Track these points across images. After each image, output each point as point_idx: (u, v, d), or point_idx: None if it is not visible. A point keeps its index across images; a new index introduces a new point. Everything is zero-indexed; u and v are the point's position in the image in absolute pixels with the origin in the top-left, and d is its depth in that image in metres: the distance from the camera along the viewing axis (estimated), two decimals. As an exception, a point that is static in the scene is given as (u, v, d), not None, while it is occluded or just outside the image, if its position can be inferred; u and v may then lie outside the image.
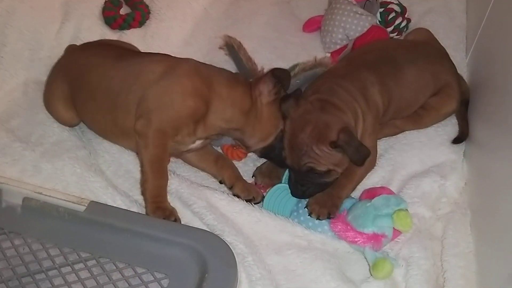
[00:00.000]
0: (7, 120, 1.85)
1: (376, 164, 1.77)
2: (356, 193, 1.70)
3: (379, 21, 2.24)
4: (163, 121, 1.55)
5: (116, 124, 1.64)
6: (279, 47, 2.25)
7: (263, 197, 1.69)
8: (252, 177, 1.78)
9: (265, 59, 2.10)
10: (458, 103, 1.87)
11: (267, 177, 1.74)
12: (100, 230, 1.46)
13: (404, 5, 2.29)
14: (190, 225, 1.56)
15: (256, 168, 1.78)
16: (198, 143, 1.67)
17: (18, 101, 1.93)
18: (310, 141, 1.54)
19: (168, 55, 1.72)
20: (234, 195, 1.69)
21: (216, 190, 1.68)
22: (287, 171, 1.69)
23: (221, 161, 1.75)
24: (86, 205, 1.50)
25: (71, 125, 1.83)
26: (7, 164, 1.69)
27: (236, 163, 1.80)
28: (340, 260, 1.55)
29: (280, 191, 1.66)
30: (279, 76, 1.61)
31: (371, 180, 1.74)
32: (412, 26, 2.26)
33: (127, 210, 1.58)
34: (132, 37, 2.16)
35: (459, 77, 1.94)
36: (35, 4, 2.12)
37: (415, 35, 2.08)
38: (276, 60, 2.12)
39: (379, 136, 1.84)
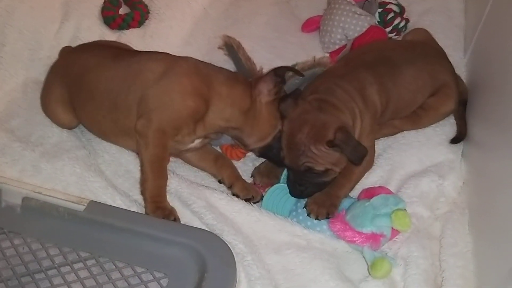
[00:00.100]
0: (6, 120, 1.86)
1: (374, 164, 1.78)
2: (355, 193, 1.70)
3: (377, 21, 2.24)
4: (163, 120, 1.55)
5: (117, 124, 1.64)
6: (278, 47, 2.25)
7: (262, 196, 1.69)
8: (251, 177, 1.78)
9: (264, 59, 2.10)
10: (456, 103, 1.87)
11: (265, 176, 1.74)
12: (99, 230, 1.46)
13: (403, 5, 2.29)
14: (190, 225, 1.56)
15: (255, 168, 1.78)
16: (197, 142, 1.67)
17: (17, 101, 1.93)
18: (307, 140, 1.55)
19: (167, 53, 1.72)
20: (233, 194, 1.69)
21: (215, 189, 1.68)
22: (285, 171, 1.69)
23: (220, 161, 1.75)
24: (86, 204, 1.50)
25: (69, 128, 1.83)
26: (6, 164, 1.69)
27: (235, 163, 1.80)
28: (339, 259, 1.55)
29: (279, 191, 1.67)
30: (282, 75, 1.61)
31: (370, 179, 1.75)
32: (410, 26, 2.26)
33: (126, 209, 1.58)
34: (131, 37, 2.17)
35: (457, 77, 1.94)
36: (34, 4, 2.12)
37: (413, 35, 2.08)
38: (275, 60, 2.12)
39: (377, 136, 1.85)
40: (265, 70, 1.96)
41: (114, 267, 1.40)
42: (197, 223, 1.58)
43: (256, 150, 1.71)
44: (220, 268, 1.37)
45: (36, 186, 1.56)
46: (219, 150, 1.84)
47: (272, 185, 1.70)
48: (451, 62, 1.96)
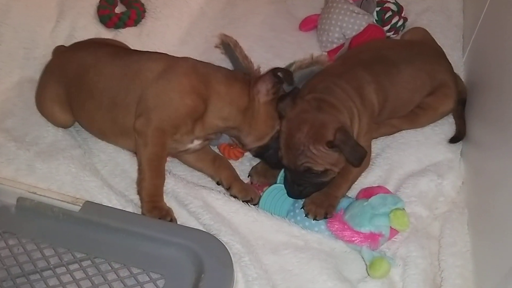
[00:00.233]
0: (1, 119, 1.84)
1: (372, 163, 1.77)
2: (353, 193, 1.70)
3: (375, 20, 2.23)
4: (162, 119, 1.55)
5: (116, 123, 1.64)
6: (276, 46, 2.25)
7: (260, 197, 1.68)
8: (248, 176, 1.77)
9: (261, 58, 2.09)
10: (455, 102, 1.87)
11: (262, 176, 1.74)
12: (95, 230, 1.45)
13: (401, 4, 2.29)
14: (186, 225, 1.56)
15: (252, 168, 1.78)
16: (196, 143, 1.67)
17: (13, 100, 1.92)
18: (307, 140, 1.54)
19: (166, 54, 1.72)
20: (231, 196, 1.68)
21: (212, 189, 1.68)
22: (282, 171, 1.68)
23: (218, 162, 1.74)
24: (81, 205, 1.49)
25: (66, 127, 1.82)
26: (1, 164, 1.68)
27: (233, 163, 1.79)
28: (337, 259, 1.55)
29: (277, 191, 1.66)
30: (279, 76, 1.61)
31: (368, 179, 1.74)
32: (409, 25, 2.26)
33: (122, 210, 1.57)
34: (127, 35, 2.16)
35: (455, 76, 1.94)
36: (30, 2, 2.11)
37: (411, 34, 2.08)
38: (273, 59, 2.12)
39: (376, 135, 1.84)
40: (262, 69, 1.95)
41: (110, 268, 1.39)
42: (194, 224, 1.57)
43: (253, 150, 1.70)
44: (217, 269, 1.36)
45: (31, 186, 1.55)
46: (217, 150, 1.83)
47: (269, 184, 1.70)
48: (450, 61, 1.96)
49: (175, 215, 1.55)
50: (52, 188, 1.62)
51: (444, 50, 2.00)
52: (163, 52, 1.76)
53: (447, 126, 1.87)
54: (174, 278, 1.37)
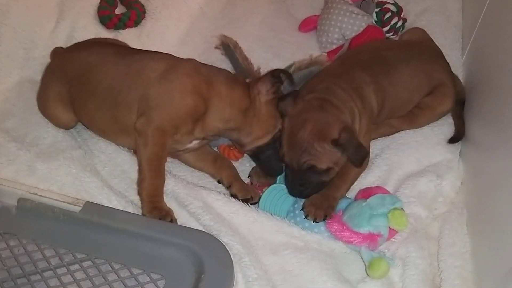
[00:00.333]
0: (2, 120, 1.84)
1: (372, 164, 1.78)
2: (352, 193, 1.70)
3: (375, 20, 2.24)
4: (163, 119, 1.55)
5: (117, 121, 1.64)
6: (275, 46, 2.25)
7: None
8: (248, 177, 1.77)
9: (261, 58, 2.10)
10: (453, 102, 1.87)
11: (262, 177, 1.74)
12: (95, 231, 1.46)
13: (400, 4, 2.29)
14: (186, 226, 1.56)
15: (252, 168, 1.78)
16: (195, 143, 1.67)
17: (12, 100, 1.92)
18: (311, 138, 1.54)
19: (170, 54, 1.73)
20: (231, 195, 1.69)
21: (212, 190, 1.68)
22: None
23: (219, 161, 1.75)
24: (82, 205, 1.49)
25: (68, 128, 1.83)
26: (2, 165, 1.68)
27: (233, 163, 1.79)
28: (337, 260, 1.55)
29: (276, 191, 1.66)
30: (278, 76, 1.62)
31: (368, 179, 1.74)
32: (408, 25, 2.26)
33: (123, 210, 1.57)
34: (127, 36, 2.16)
35: (453, 76, 1.94)
36: (30, 3, 2.11)
37: (409, 35, 2.09)
38: (272, 59, 2.12)
39: (375, 136, 1.85)
40: (262, 70, 1.96)
41: (110, 268, 1.39)
42: (194, 224, 1.57)
43: (251, 150, 1.70)
44: (217, 269, 1.37)
45: (32, 187, 1.55)
46: (216, 151, 1.83)
47: (269, 185, 1.70)
48: (449, 61, 1.97)
49: (175, 215, 1.55)
50: (52, 189, 1.63)
51: (443, 51, 2.00)
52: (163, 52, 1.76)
53: (446, 126, 1.88)
54: (174, 278, 1.37)
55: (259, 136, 1.65)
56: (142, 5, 2.29)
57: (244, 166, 1.82)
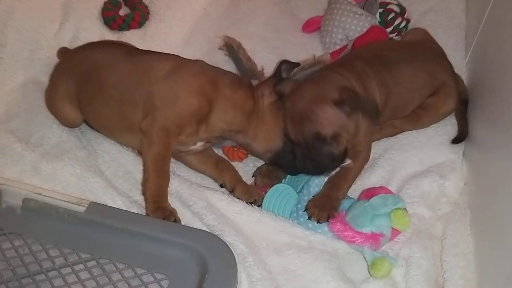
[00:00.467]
0: (6, 120, 1.85)
1: (375, 164, 1.78)
2: (356, 194, 1.70)
3: (378, 21, 2.23)
4: (167, 119, 1.56)
5: (123, 119, 1.65)
6: (279, 47, 2.25)
7: (264, 198, 1.69)
8: (252, 176, 1.77)
9: (264, 59, 2.10)
10: (456, 102, 1.87)
11: (267, 177, 1.74)
12: (100, 231, 1.46)
13: (404, 5, 2.29)
14: (190, 226, 1.56)
15: (257, 168, 1.78)
16: (199, 145, 1.68)
17: (17, 101, 1.93)
18: (310, 104, 1.52)
19: (178, 55, 1.75)
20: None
21: (216, 190, 1.68)
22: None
23: (221, 164, 1.75)
24: (86, 205, 1.50)
25: (73, 126, 1.84)
26: (7, 165, 1.69)
27: (236, 164, 1.80)
28: (341, 260, 1.55)
29: (279, 191, 1.66)
30: (280, 75, 1.62)
31: (371, 180, 1.74)
32: (411, 26, 2.26)
33: (127, 210, 1.58)
34: (131, 37, 2.16)
35: (456, 76, 1.94)
36: (34, 4, 2.11)
37: (411, 35, 2.09)
38: (276, 59, 2.12)
39: (378, 136, 1.85)
40: (266, 70, 1.96)
41: (114, 268, 1.39)
42: (197, 224, 1.58)
43: (267, 158, 1.69)
44: (221, 269, 1.37)
45: (36, 187, 1.55)
46: (221, 151, 1.84)
47: (273, 186, 1.69)
48: (452, 62, 1.96)
49: (179, 215, 1.56)
50: (57, 189, 1.63)
51: (447, 51, 2.00)
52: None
53: (450, 127, 1.88)
54: (178, 278, 1.37)
55: (265, 140, 1.65)
56: (146, 6, 2.30)
57: (248, 166, 1.82)
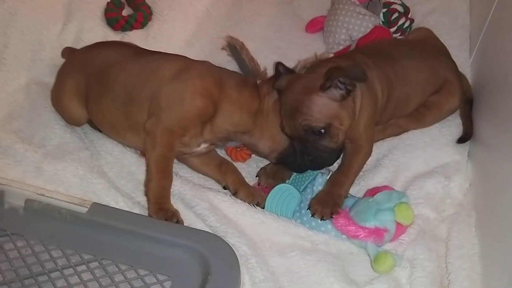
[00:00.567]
0: (9, 121, 1.85)
1: (379, 165, 1.77)
2: (360, 194, 1.69)
3: (382, 21, 2.23)
4: (172, 119, 1.56)
5: (128, 118, 1.66)
6: (282, 48, 2.25)
7: (267, 199, 1.68)
8: (256, 176, 1.77)
9: (267, 59, 2.10)
10: (460, 99, 1.86)
11: (271, 178, 1.73)
12: (102, 232, 1.46)
13: (407, 5, 2.28)
14: (193, 227, 1.56)
15: (261, 169, 1.77)
16: (203, 146, 1.67)
17: (20, 102, 1.93)
18: (299, 95, 1.52)
19: (186, 56, 1.76)
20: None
21: (218, 191, 1.68)
22: (294, 174, 1.69)
23: (224, 166, 1.74)
24: (89, 206, 1.49)
25: (78, 124, 1.84)
26: (9, 166, 1.69)
27: (240, 165, 1.79)
28: (344, 262, 1.54)
29: (282, 191, 1.65)
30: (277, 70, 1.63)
31: (375, 180, 1.74)
32: (415, 26, 2.25)
33: (129, 211, 1.57)
34: (134, 38, 2.16)
35: (459, 74, 1.93)
36: (37, 5, 2.12)
37: (415, 34, 2.08)
38: (279, 60, 2.10)
39: (382, 136, 1.85)
40: (269, 71, 1.96)
41: (117, 269, 1.39)
42: (200, 225, 1.57)
43: (274, 158, 1.69)
44: (223, 271, 1.36)
45: (39, 188, 1.55)
46: (224, 152, 1.83)
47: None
48: (456, 62, 1.96)
49: (182, 216, 1.55)
50: (59, 190, 1.63)
51: (451, 51, 1.99)
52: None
53: (454, 127, 1.87)
54: (181, 279, 1.36)
55: (271, 139, 1.65)
56: (149, 7, 2.29)
57: (251, 167, 1.82)
